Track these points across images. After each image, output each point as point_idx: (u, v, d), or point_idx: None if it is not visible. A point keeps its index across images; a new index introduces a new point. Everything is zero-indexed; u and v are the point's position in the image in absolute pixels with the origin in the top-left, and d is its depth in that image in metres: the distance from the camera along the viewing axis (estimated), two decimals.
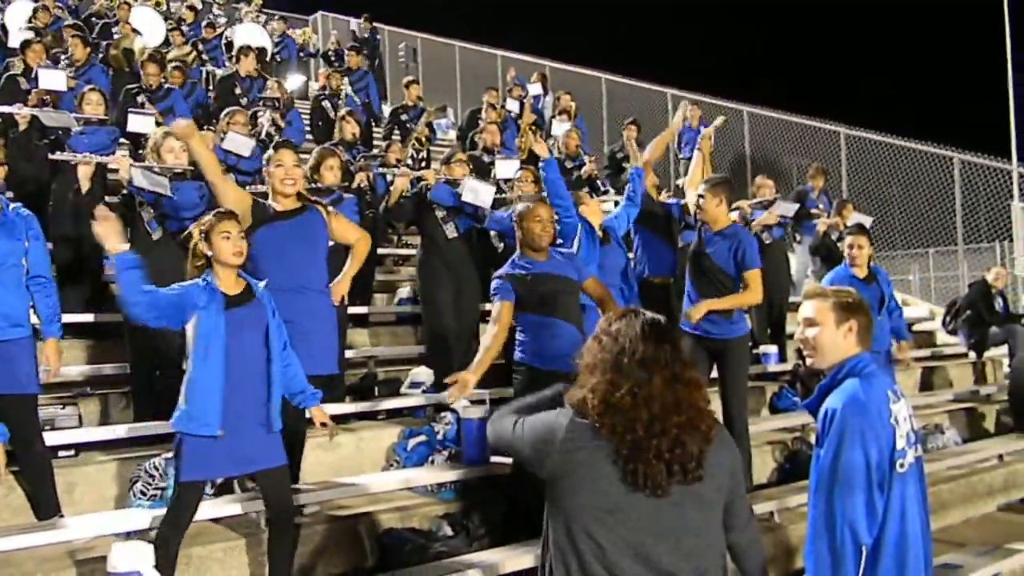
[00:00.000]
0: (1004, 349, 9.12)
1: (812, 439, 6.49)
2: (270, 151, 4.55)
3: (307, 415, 4.18)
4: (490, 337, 4.33)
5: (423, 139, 9.91)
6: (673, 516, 2.15)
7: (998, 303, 9.12)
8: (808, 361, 2.83)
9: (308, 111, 13.26)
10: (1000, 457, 6.65)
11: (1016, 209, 11.04)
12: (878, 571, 2.55)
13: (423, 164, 9.32)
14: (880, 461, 2.56)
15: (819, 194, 9.73)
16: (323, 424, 4.02)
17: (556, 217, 4.74)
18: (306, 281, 4.30)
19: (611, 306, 4.61)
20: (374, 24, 17.14)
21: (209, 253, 3.64)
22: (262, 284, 3.78)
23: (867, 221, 8.54)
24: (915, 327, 9.99)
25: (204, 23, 13.91)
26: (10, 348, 3.94)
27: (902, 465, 2.60)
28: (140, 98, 8.19)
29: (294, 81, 11.28)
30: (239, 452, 3.56)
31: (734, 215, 5.79)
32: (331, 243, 4.55)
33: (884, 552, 2.56)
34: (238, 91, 9.71)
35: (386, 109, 13.70)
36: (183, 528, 3.59)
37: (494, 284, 4.49)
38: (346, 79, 11.55)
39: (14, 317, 3.96)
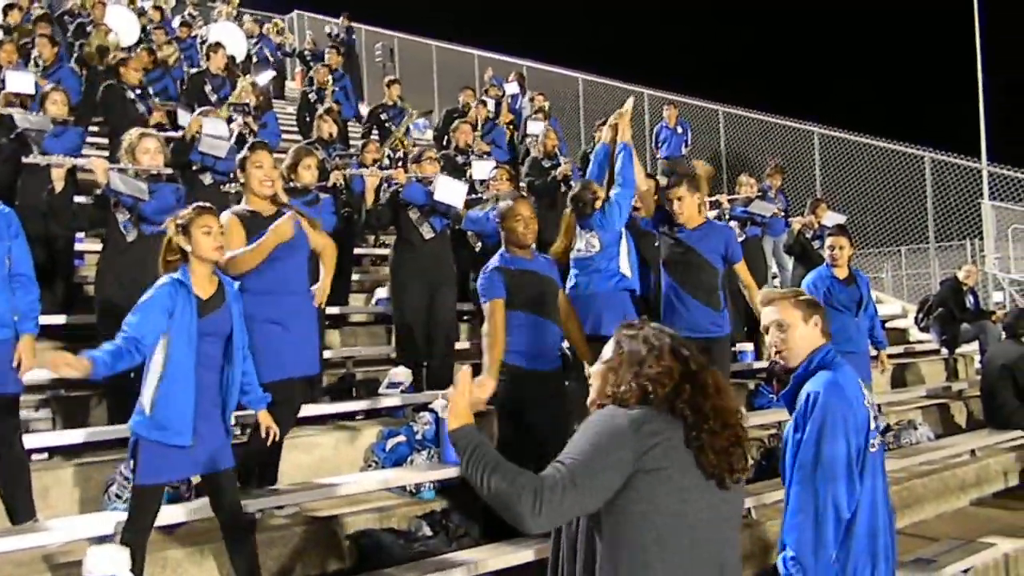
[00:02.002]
0: (975, 345, 9.26)
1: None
2: (246, 151, 4.51)
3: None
4: (493, 340, 4.27)
5: (402, 142, 9.90)
6: (725, 510, 2.18)
7: (969, 300, 9.25)
8: (781, 363, 2.93)
9: (286, 110, 13.23)
10: (972, 452, 6.74)
11: (986, 207, 11.22)
12: (852, 540, 2.72)
13: (399, 165, 9.30)
14: (859, 445, 2.72)
15: (776, 192, 9.81)
16: (267, 429, 3.89)
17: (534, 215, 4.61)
18: (291, 284, 4.28)
19: (573, 322, 4.65)
20: (351, 23, 17.07)
21: (187, 248, 3.57)
22: (236, 285, 3.75)
23: (841, 220, 8.63)
24: (888, 324, 10.10)
25: (179, 22, 13.79)
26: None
27: (873, 445, 2.77)
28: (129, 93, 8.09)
29: (264, 77, 11.16)
30: (196, 455, 3.52)
31: (714, 212, 5.78)
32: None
33: (858, 521, 2.73)
34: (208, 88, 9.64)
35: (363, 109, 13.64)
36: (146, 531, 3.55)
37: (482, 280, 4.44)
38: (330, 77, 11.51)
39: (5, 318, 3.94)
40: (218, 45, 10.16)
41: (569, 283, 5.26)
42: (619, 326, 2.37)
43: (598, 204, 5.25)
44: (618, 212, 5.20)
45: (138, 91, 8.16)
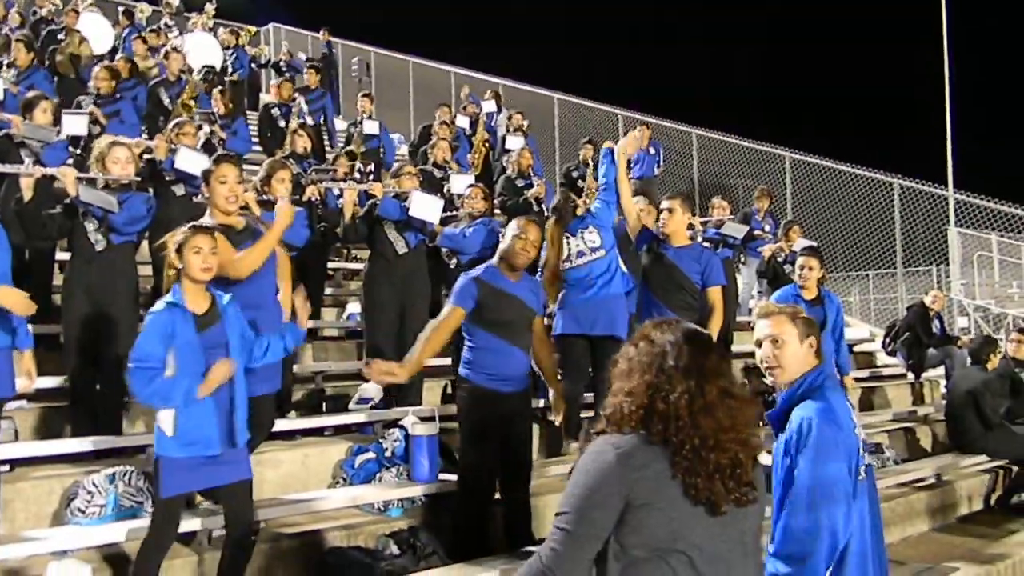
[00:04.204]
0: (941, 370, 9.38)
1: (760, 458, 6.61)
2: (210, 164, 4.45)
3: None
4: (427, 336, 4.25)
5: (357, 152, 9.91)
6: (727, 538, 2.02)
7: (935, 325, 9.39)
8: (771, 379, 2.88)
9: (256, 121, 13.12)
10: (938, 476, 6.81)
11: (952, 234, 11.41)
12: (844, 567, 2.68)
13: (371, 179, 9.29)
14: (852, 470, 2.69)
15: (764, 215, 9.95)
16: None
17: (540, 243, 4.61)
18: (261, 297, 4.25)
19: (545, 350, 4.66)
20: (331, 38, 17.05)
21: (179, 266, 3.61)
22: (227, 297, 3.76)
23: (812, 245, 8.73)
24: (856, 348, 10.22)
25: (148, 28, 13.68)
26: None
27: (860, 473, 2.73)
28: (85, 104, 8.02)
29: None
30: (219, 464, 3.59)
31: (688, 233, 5.88)
32: None
33: (850, 549, 2.69)
34: (165, 97, 9.57)
35: (339, 123, 13.60)
36: (164, 549, 3.60)
37: (460, 282, 4.41)
38: (299, 95, 11.46)
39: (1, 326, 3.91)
40: (175, 50, 10.11)
41: (573, 295, 5.43)
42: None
43: (579, 211, 5.55)
44: (607, 209, 5.62)
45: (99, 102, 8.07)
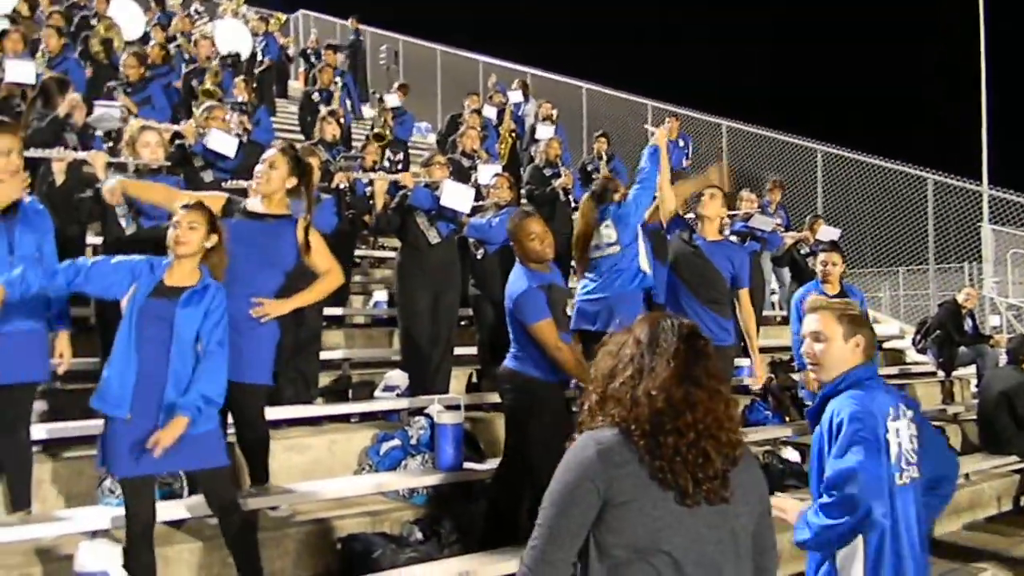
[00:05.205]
0: (972, 369, 9.26)
1: (784, 453, 6.58)
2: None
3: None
4: (567, 360, 4.25)
5: (384, 133, 9.95)
6: (715, 539, 1.96)
7: (967, 323, 9.26)
8: (812, 375, 2.85)
9: (288, 109, 13.18)
10: (967, 476, 6.73)
11: (986, 231, 11.23)
12: (881, 568, 2.65)
13: (399, 168, 9.31)
14: (886, 467, 2.64)
15: (776, 207, 9.83)
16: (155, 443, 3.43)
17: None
18: (250, 289, 4.08)
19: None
20: (359, 25, 17.07)
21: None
22: (221, 291, 3.64)
23: (835, 234, 8.64)
24: (885, 345, 10.11)
25: (182, 14, 13.76)
26: (32, 338, 3.99)
27: (900, 478, 2.67)
28: (118, 91, 8.08)
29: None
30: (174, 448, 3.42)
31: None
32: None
33: (886, 551, 2.65)
34: (195, 84, 9.65)
35: (367, 111, 13.63)
36: (137, 525, 3.50)
37: (524, 299, 4.26)
38: (337, 79, 11.52)
39: (36, 307, 3.97)
40: (204, 37, 10.15)
41: (589, 285, 5.35)
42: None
43: (617, 196, 5.45)
44: (634, 208, 5.42)
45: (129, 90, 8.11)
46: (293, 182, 4.25)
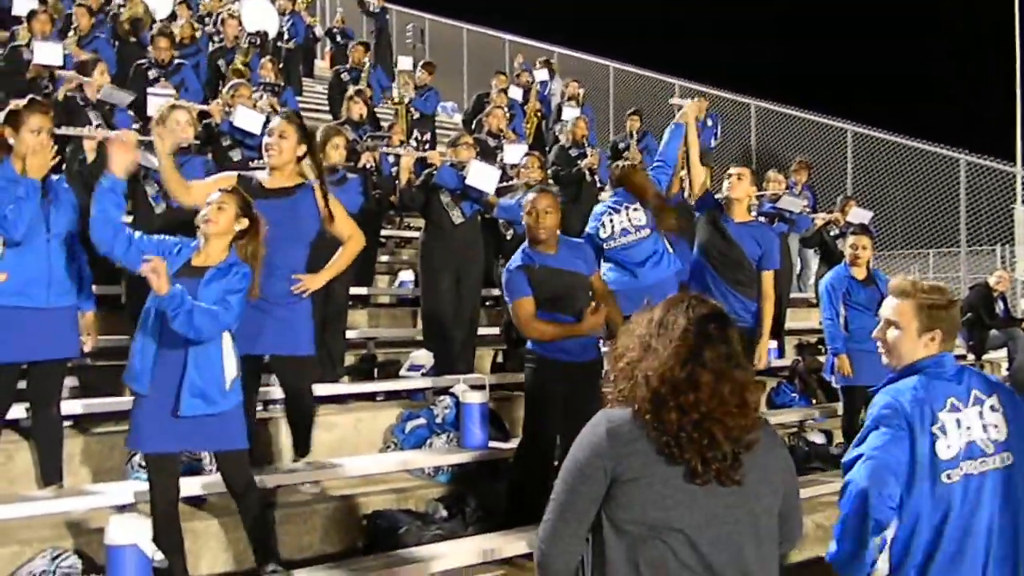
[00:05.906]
0: (1003, 352, 9.15)
1: (809, 435, 6.55)
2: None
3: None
4: (533, 331, 4.29)
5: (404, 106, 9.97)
6: (734, 521, 1.94)
7: (999, 306, 9.15)
8: (884, 360, 2.73)
9: (314, 89, 13.17)
10: None
11: (1019, 212, 11.06)
12: (931, 566, 2.50)
13: (427, 147, 9.30)
14: (926, 458, 2.49)
15: (802, 188, 9.70)
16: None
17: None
18: (285, 268, 4.07)
19: (610, 304, 4.49)
20: (385, 4, 17.00)
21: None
22: (247, 274, 3.58)
23: (867, 216, 8.52)
24: None
25: None
26: (64, 315, 4.05)
27: (948, 476, 2.50)
28: (152, 72, 8.11)
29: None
30: (179, 428, 3.44)
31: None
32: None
33: (940, 552, 2.49)
34: (222, 63, 9.68)
35: (393, 91, 13.58)
36: (163, 501, 3.55)
37: (505, 277, 4.39)
38: (366, 59, 11.52)
39: (69, 285, 4.06)
40: (231, 16, 10.18)
41: (616, 276, 5.19)
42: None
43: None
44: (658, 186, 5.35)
45: (160, 72, 8.14)
46: (303, 149, 4.22)
